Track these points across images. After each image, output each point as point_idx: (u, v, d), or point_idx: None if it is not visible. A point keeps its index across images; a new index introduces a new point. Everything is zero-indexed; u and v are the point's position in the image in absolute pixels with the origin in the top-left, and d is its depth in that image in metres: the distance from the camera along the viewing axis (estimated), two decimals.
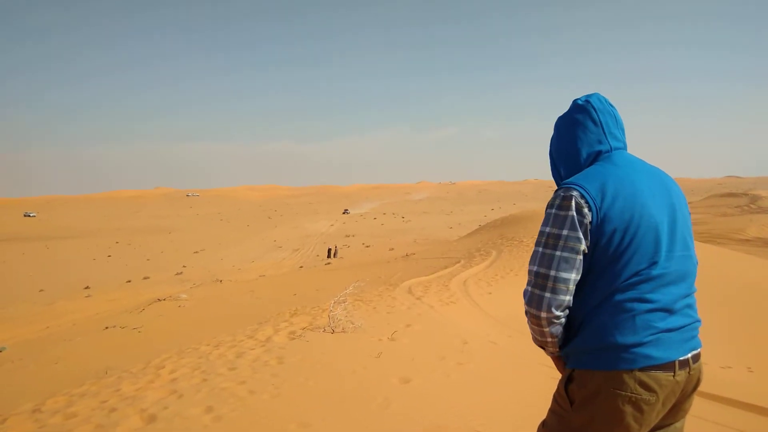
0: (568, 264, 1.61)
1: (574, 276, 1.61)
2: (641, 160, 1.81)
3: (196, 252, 51.29)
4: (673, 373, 1.60)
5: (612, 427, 1.59)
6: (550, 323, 1.65)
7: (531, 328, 1.72)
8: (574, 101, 1.87)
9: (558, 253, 1.61)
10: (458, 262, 17.02)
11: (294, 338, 6.39)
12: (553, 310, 1.61)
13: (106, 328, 13.00)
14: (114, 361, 7.75)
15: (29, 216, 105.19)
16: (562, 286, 1.61)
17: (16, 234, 73.69)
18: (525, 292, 1.69)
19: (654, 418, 1.62)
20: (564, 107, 1.92)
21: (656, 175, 1.77)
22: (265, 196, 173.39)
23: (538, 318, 1.64)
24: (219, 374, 5.00)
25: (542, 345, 1.76)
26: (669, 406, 1.64)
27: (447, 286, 11.43)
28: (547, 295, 1.61)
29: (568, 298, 1.62)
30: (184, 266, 41.46)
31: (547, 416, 1.80)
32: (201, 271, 38.11)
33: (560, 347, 1.75)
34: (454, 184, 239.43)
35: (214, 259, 45.89)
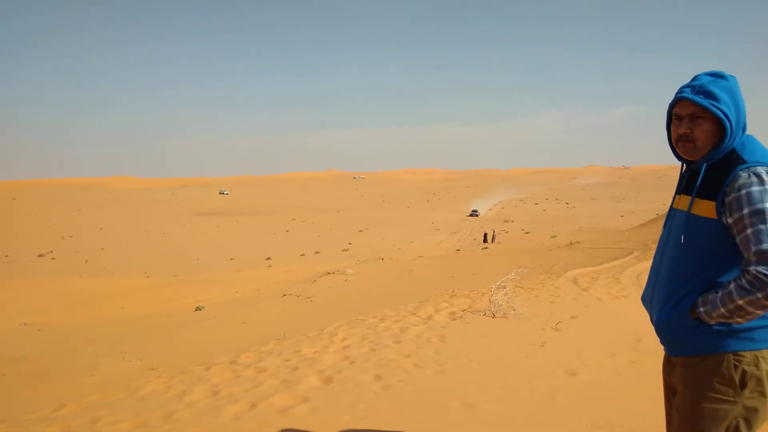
0: None
1: None
2: None
3: (361, 231, 54.48)
4: None
5: None
6: None
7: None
8: (723, 74, 1.76)
9: None
10: (631, 253, 15.67)
11: (455, 319, 6.48)
12: None
13: (284, 295, 14.51)
14: (291, 325, 8.62)
15: (223, 194, 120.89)
16: None
17: (213, 209, 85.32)
18: None
19: None
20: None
21: None
22: (424, 180, 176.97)
23: None
24: (386, 346, 5.28)
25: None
26: None
27: (617, 279, 10.60)
28: None
29: None
30: (350, 243, 44.37)
31: (691, 413, 1.74)
32: (365, 248, 40.43)
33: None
34: (627, 168, 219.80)
35: (376, 238, 48.33)
